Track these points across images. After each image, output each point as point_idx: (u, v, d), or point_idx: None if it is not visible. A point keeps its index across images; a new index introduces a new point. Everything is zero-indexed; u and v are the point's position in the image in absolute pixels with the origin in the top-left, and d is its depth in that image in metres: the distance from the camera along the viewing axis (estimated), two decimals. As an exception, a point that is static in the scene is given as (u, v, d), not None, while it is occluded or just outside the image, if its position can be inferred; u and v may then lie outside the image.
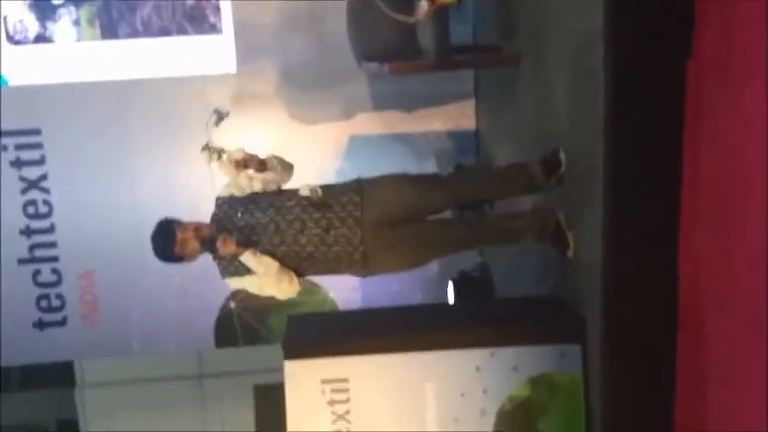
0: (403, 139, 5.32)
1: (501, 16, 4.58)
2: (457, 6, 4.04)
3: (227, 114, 3.44)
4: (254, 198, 3.42)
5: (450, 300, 5.18)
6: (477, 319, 3.78)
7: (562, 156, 3.53)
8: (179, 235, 3.28)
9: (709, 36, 2.83)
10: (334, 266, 3.45)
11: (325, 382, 3.41)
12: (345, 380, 3.41)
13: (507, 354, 3.40)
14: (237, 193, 3.45)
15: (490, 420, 3.40)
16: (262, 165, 3.45)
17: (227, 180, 3.50)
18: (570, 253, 3.51)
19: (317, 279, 4.60)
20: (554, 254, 3.64)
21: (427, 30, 4.05)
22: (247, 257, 3.30)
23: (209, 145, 3.39)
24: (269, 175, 3.46)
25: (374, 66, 4.42)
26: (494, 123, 5.00)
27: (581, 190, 3.40)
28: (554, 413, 3.40)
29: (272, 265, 3.33)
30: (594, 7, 3.08)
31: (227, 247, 3.24)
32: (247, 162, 3.42)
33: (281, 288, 3.38)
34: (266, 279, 3.35)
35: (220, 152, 3.40)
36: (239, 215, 3.38)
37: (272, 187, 3.48)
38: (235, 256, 3.31)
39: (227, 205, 3.43)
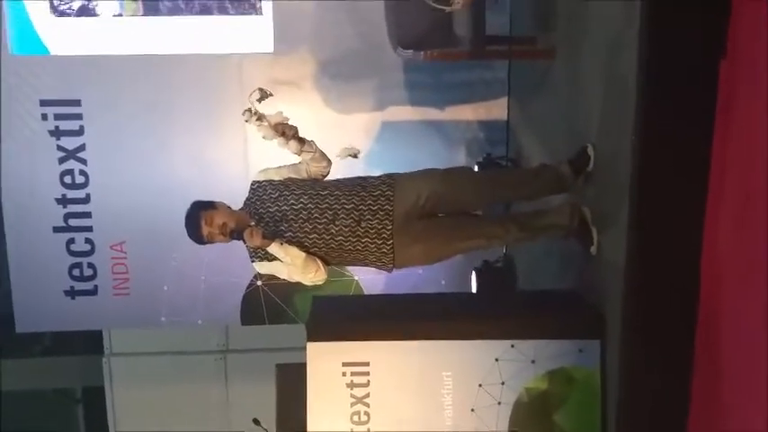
0: (434, 127, 5.33)
1: (538, 8, 4.58)
2: (494, -3, 4.06)
3: (270, 95, 3.48)
4: (288, 184, 3.48)
5: (473, 289, 5.21)
6: (498, 311, 3.81)
7: (590, 151, 3.54)
8: (204, 230, 3.37)
9: (743, 37, 2.83)
10: (361, 257, 3.51)
11: (346, 364, 3.46)
12: (366, 363, 3.46)
13: (527, 346, 3.43)
14: (276, 178, 3.51)
15: (506, 411, 3.43)
16: (300, 138, 3.49)
17: (268, 168, 3.56)
18: (594, 249, 3.53)
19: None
20: (578, 249, 3.66)
21: (463, 19, 4.08)
22: (274, 249, 3.37)
23: (252, 109, 3.43)
24: (308, 148, 3.49)
25: (410, 53, 4.46)
26: (526, 115, 4.99)
27: (608, 187, 3.41)
28: (570, 406, 3.43)
29: (299, 256, 3.39)
30: (631, 8, 3.08)
31: (253, 239, 3.30)
32: (285, 129, 3.46)
33: (307, 277, 3.46)
34: (293, 269, 3.43)
35: (261, 116, 3.44)
36: (272, 201, 3.44)
37: (312, 173, 3.54)
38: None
39: (261, 190, 3.50)
